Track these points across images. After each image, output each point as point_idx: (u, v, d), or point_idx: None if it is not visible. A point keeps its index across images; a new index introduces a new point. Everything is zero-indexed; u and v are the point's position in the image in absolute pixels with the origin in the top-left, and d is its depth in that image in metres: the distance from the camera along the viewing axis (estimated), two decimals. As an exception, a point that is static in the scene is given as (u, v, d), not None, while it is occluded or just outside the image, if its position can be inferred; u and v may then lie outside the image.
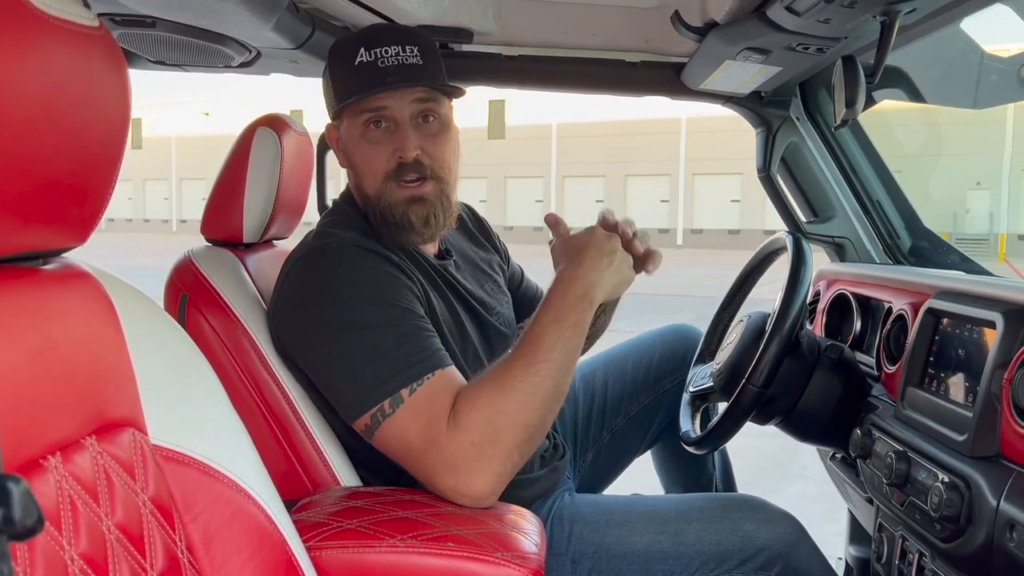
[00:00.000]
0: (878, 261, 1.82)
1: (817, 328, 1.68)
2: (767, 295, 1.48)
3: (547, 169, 32.58)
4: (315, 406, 1.28)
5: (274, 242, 1.56)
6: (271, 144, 1.38)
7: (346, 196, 1.37)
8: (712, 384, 1.48)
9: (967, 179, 23.84)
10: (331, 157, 1.83)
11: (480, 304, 1.39)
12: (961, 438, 1.03)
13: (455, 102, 1.33)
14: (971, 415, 1.02)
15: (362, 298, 1.15)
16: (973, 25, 1.43)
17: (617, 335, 1.73)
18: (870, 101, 1.62)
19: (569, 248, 1.24)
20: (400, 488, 1.17)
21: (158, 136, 38.06)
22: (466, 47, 1.66)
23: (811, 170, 1.82)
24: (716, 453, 1.74)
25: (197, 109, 36.67)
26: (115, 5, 1.24)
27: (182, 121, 37.61)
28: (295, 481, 1.25)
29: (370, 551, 1.00)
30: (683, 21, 1.41)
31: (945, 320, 1.18)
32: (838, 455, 1.52)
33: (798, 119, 1.79)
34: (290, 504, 0.98)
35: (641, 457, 1.75)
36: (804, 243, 1.38)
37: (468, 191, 31.09)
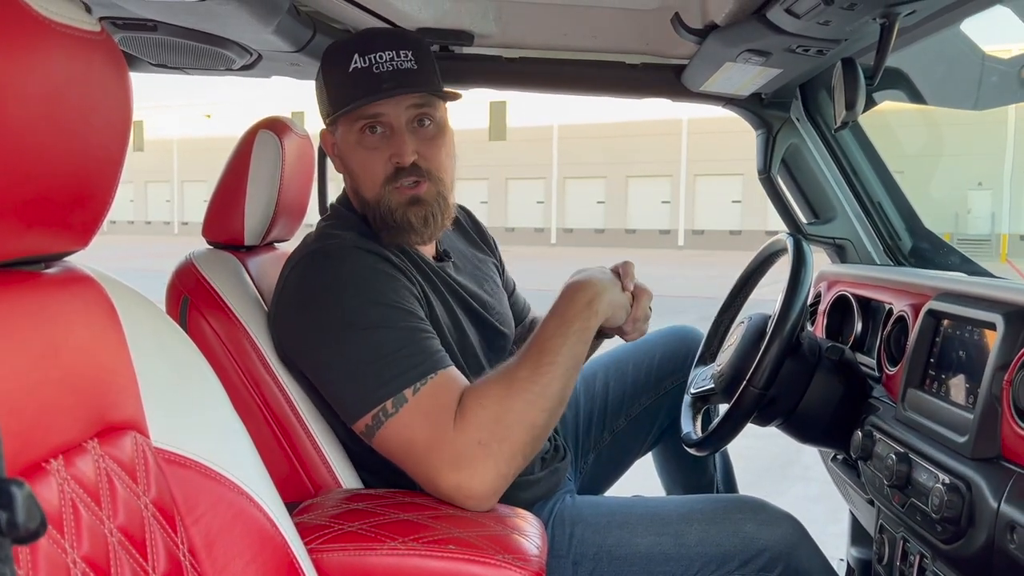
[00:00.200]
0: (879, 262, 1.82)
1: (818, 329, 1.68)
2: (768, 296, 1.48)
3: (548, 170, 32.59)
4: (316, 408, 1.28)
5: (275, 245, 1.56)
6: (272, 147, 1.38)
7: (343, 199, 1.37)
8: (713, 386, 1.48)
9: (969, 179, 23.82)
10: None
11: (480, 303, 1.39)
12: (962, 440, 1.03)
13: (456, 103, 1.34)
14: (972, 417, 1.02)
15: (363, 299, 1.15)
16: (973, 26, 1.43)
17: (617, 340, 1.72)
18: (870, 103, 1.62)
19: (577, 274, 1.28)
20: (401, 491, 1.17)
21: (160, 138, 38.11)
22: (467, 50, 1.66)
23: (812, 171, 1.82)
24: (717, 454, 1.74)
25: (198, 111, 36.71)
26: (117, 9, 1.24)
27: (184, 123, 37.66)
28: (296, 483, 1.25)
29: (371, 553, 1.00)
30: (683, 23, 1.41)
31: (946, 321, 1.18)
32: (839, 456, 1.52)
33: (798, 120, 1.79)
34: (291, 506, 0.98)
35: (642, 458, 1.75)
36: (805, 244, 1.38)
37: (469, 192, 31.13)
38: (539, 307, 1.72)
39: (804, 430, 1.41)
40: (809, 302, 1.62)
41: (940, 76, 1.73)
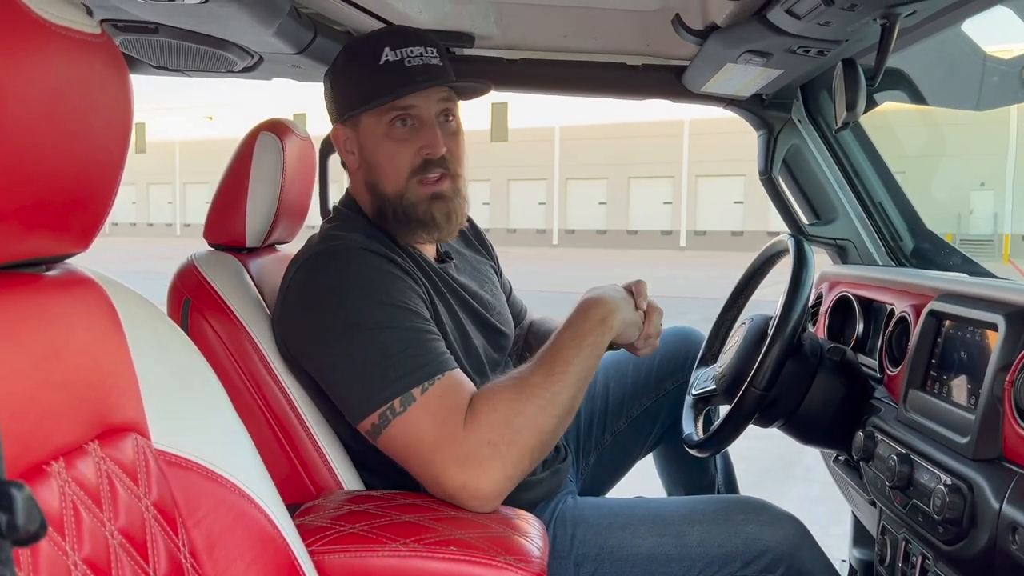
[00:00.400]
0: (880, 263, 1.82)
1: (819, 330, 1.68)
2: (770, 297, 1.48)
3: (550, 172, 32.60)
4: (319, 410, 1.28)
5: (277, 246, 1.56)
6: (274, 149, 1.38)
7: (347, 201, 1.38)
8: (715, 387, 1.48)
9: (971, 180, 23.80)
10: (334, 161, 1.84)
11: (481, 304, 1.40)
12: (963, 441, 1.02)
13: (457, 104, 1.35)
14: (973, 418, 1.02)
15: (368, 300, 1.16)
16: (974, 27, 1.43)
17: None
18: (871, 103, 1.62)
19: (589, 292, 1.29)
20: (403, 492, 1.17)
21: (162, 140, 38.16)
22: (468, 51, 1.66)
23: (813, 172, 1.82)
24: (718, 455, 1.74)
25: (200, 113, 36.76)
26: (118, 11, 1.24)
27: (185, 125, 37.71)
28: (298, 485, 1.25)
29: (373, 555, 1.00)
30: (684, 24, 1.41)
31: (947, 322, 1.18)
32: (841, 457, 1.52)
33: (799, 121, 1.79)
34: (293, 508, 0.98)
35: (643, 460, 1.75)
36: (806, 245, 1.38)
37: (471, 194, 30.80)
38: (542, 308, 1.72)
39: (806, 431, 1.41)
40: (810, 303, 1.62)
41: (941, 76, 1.72)
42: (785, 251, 1.44)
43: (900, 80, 1.68)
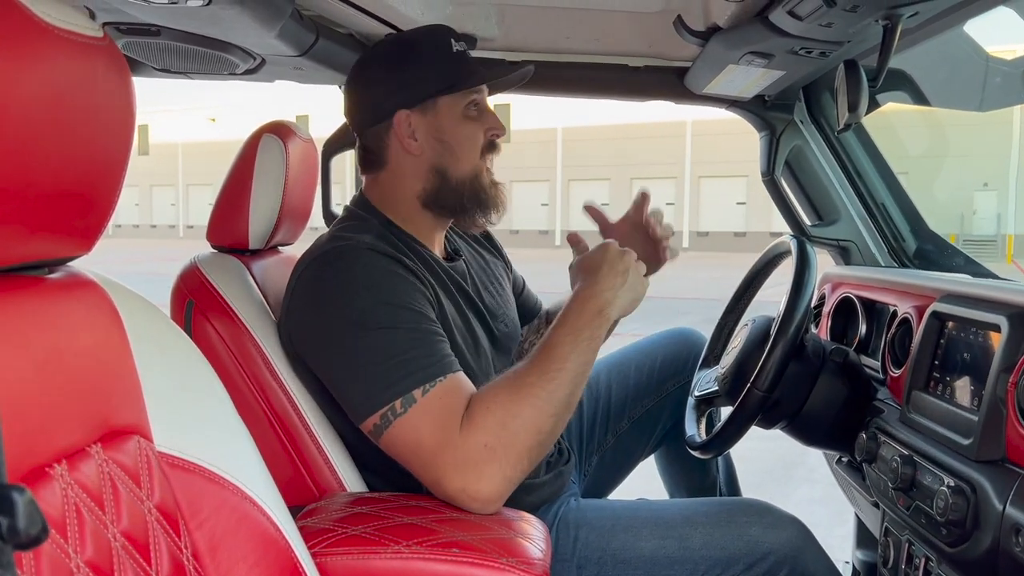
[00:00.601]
0: (883, 264, 1.81)
1: (822, 332, 1.67)
2: (773, 298, 1.48)
3: (553, 173, 32.60)
4: (322, 411, 1.28)
5: (280, 248, 1.56)
6: (276, 151, 1.38)
7: (360, 201, 1.38)
8: (717, 388, 1.48)
9: (974, 180, 23.76)
10: (336, 163, 1.84)
11: (488, 304, 1.41)
12: (967, 442, 1.02)
13: None
14: (976, 419, 1.02)
15: (374, 300, 1.16)
16: (976, 28, 1.43)
17: (622, 339, 1.73)
18: (873, 104, 1.62)
19: (585, 267, 1.26)
20: (405, 494, 1.17)
21: (165, 142, 38.22)
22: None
23: (815, 173, 1.82)
24: (720, 457, 1.73)
25: (203, 115, 36.81)
26: (120, 14, 1.25)
27: (189, 127, 37.76)
28: (301, 487, 1.25)
29: (375, 557, 1.00)
30: (686, 26, 1.41)
31: (950, 324, 1.18)
32: (844, 459, 1.51)
33: (802, 122, 1.79)
34: (296, 510, 0.98)
35: (645, 461, 1.75)
36: (808, 247, 1.37)
37: (474, 195, 30.90)
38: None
39: (808, 433, 1.41)
40: (813, 304, 1.62)
41: (943, 78, 1.72)
42: (787, 252, 1.44)
43: (902, 81, 1.68)
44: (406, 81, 1.33)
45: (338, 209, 1.69)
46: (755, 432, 1.38)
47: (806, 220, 1.86)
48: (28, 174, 0.59)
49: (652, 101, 1.84)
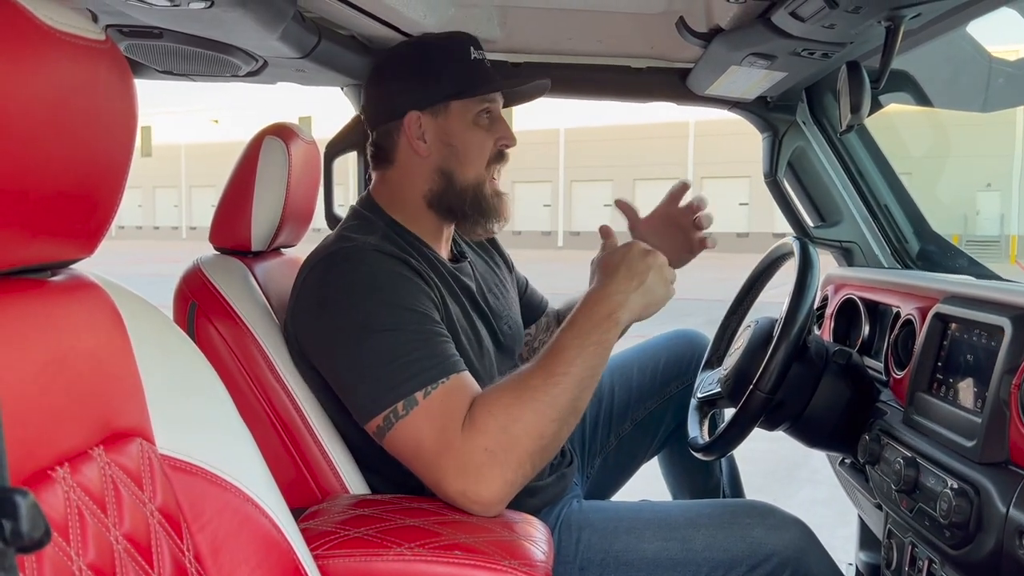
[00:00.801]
0: (886, 265, 1.81)
1: (825, 333, 1.67)
2: (775, 300, 1.48)
3: (555, 174, 32.61)
4: (325, 413, 1.28)
5: (282, 250, 1.56)
6: (279, 153, 1.39)
7: (367, 203, 1.38)
8: (720, 390, 1.47)
9: (977, 181, 23.73)
10: (338, 165, 1.84)
11: (492, 305, 1.41)
12: (970, 444, 1.02)
13: None
14: (980, 421, 1.02)
15: (379, 301, 1.16)
16: (979, 28, 1.42)
17: (623, 340, 1.72)
18: (876, 105, 1.61)
19: (605, 265, 1.24)
20: (408, 496, 1.17)
21: (168, 143, 38.27)
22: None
23: (818, 174, 1.81)
24: (723, 458, 1.73)
25: (206, 116, 36.86)
26: (123, 17, 1.25)
27: (191, 128, 37.81)
28: (303, 489, 1.25)
29: (377, 559, 1.00)
30: (688, 27, 1.41)
31: (953, 325, 1.18)
32: (847, 460, 1.51)
33: (804, 124, 1.79)
34: (298, 512, 0.98)
35: (648, 463, 1.75)
36: (811, 248, 1.37)
37: (476, 196, 30.90)
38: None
39: (811, 434, 1.40)
40: (816, 305, 1.62)
41: (946, 78, 1.72)
42: (790, 254, 1.44)
43: (905, 82, 1.68)
44: (420, 83, 1.34)
45: (341, 211, 1.69)
46: (758, 433, 1.38)
47: (809, 221, 1.85)
48: (30, 177, 0.59)
49: (654, 102, 1.84)
